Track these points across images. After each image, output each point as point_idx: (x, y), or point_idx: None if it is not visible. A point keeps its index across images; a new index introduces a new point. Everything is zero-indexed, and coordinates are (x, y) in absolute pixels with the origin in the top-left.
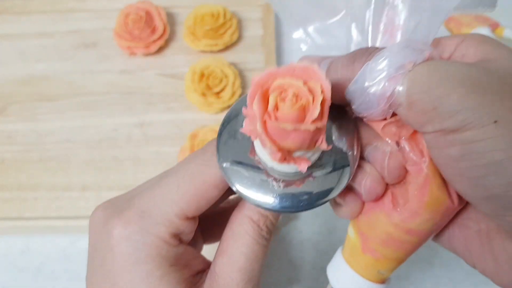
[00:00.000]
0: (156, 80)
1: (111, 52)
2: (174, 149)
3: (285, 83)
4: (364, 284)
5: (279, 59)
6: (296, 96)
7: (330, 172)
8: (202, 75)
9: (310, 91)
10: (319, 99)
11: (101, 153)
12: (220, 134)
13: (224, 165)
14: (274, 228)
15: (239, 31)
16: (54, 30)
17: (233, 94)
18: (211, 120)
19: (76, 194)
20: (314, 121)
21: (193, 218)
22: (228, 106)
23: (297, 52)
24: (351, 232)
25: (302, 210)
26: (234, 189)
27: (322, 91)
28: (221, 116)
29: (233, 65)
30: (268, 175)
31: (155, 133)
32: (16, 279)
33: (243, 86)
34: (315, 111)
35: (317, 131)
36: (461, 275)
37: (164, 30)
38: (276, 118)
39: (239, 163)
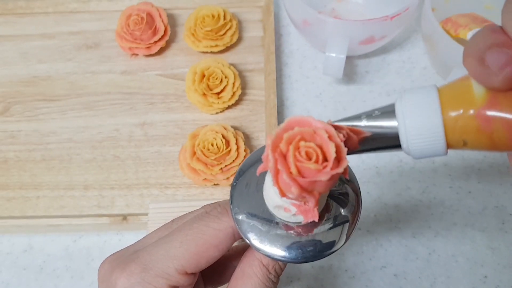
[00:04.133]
0: (157, 80)
1: (113, 53)
2: (175, 149)
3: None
4: (439, 138)
5: (278, 60)
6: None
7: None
8: (202, 75)
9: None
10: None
11: (103, 152)
12: (234, 185)
13: (238, 216)
14: (281, 272)
15: (239, 32)
16: (57, 31)
17: (233, 94)
18: (211, 120)
19: (78, 193)
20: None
21: (192, 273)
22: (228, 106)
23: (296, 52)
24: (478, 86)
25: (313, 259)
26: (246, 240)
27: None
28: (221, 116)
29: (233, 66)
30: (287, 227)
31: (156, 133)
32: (19, 277)
33: (243, 86)
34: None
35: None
36: (458, 273)
37: (165, 31)
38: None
39: (253, 215)
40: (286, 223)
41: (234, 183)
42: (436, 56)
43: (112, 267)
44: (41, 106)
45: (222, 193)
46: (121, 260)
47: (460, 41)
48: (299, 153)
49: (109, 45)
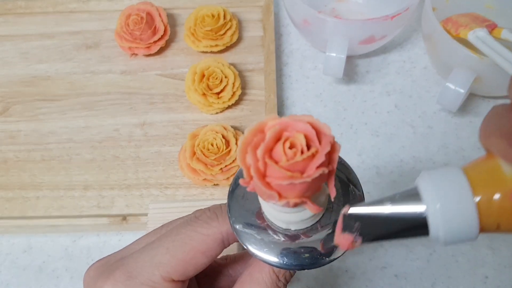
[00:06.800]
0: (157, 80)
1: (113, 53)
2: (175, 149)
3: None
4: (473, 224)
5: (278, 60)
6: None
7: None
8: (202, 75)
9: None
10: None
11: (103, 152)
12: (231, 192)
13: (235, 223)
14: (290, 279)
15: (239, 32)
16: (56, 31)
17: (233, 94)
18: (211, 120)
19: (78, 194)
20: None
21: (180, 281)
22: (228, 106)
23: (296, 51)
24: (508, 166)
25: (314, 266)
26: (245, 247)
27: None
28: (221, 116)
29: (233, 65)
30: (276, 233)
31: (156, 133)
32: (19, 277)
33: (243, 86)
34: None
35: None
36: (459, 273)
37: (165, 31)
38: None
39: (249, 223)
40: (285, 231)
41: (231, 191)
42: (437, 55)
43: (97, 274)
44: (40, 106)
45: (222, 193)
46: (106, 267)
47: (460, 40)
48: (287, 148)
49: (109, 45)
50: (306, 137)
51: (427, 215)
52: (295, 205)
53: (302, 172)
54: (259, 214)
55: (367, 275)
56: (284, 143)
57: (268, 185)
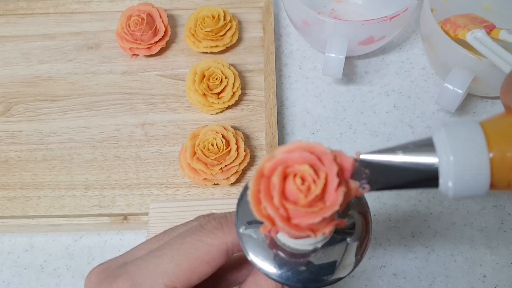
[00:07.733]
0: (157, 81)
1: (113, 54)
2: (175, 149)
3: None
4: (484, 178)
5: (278, 61)
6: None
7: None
8: (202, 76)
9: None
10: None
11: (104, 152)
12: (240, 200)
13: (241, 230)
14: None
15: (239, 32)
16: (57, 32)
17: (233, 94)
18: (211, 120)
19: (79, 193)
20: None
21: None
22: (228, 106)
23: (296, 52)
24: None
25: (319, 285)
26: (248, 258)
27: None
28: (221, 116)
29: (233, 66)
30: (293, 254)
31: (156, 133)
32: (20, 276)
33: (243, 87)
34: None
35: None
36: (458, 272)
37: (166, 32)
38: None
39: (256, 231)
40: (293, 249)
41: (240, 199)
42: (435, 56)
43: (99, 280)
44: (42, 106)
45: (222, 193)
46: (108, 272)
47: (459, 41)
48: (299, 184)
49: (110, 45)
50: (310, 165)
51: (439, 167)
52: (331, 231)
53: (321, 199)
54: (273, 243)
55: (366, 274)
56: (294, 180)
57: (297, 227)
